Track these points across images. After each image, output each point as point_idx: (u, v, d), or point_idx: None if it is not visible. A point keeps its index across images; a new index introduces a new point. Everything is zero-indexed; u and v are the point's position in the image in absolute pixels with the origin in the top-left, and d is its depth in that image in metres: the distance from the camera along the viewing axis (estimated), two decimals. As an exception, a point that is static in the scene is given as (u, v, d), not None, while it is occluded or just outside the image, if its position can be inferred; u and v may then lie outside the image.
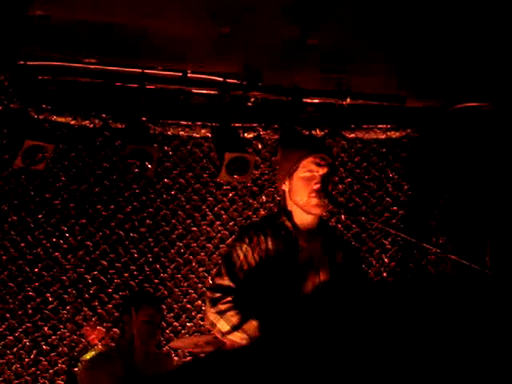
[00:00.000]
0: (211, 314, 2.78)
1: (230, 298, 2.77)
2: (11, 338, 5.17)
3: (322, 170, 2.94)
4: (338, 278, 2.92)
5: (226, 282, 2.82)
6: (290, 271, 2.85)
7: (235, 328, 2.72)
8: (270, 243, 2.89)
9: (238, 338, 2.72)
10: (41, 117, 5.10)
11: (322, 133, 5.51)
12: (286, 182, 3.02)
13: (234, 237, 4.42)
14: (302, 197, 2.95)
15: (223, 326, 2.75)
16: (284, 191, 3.04)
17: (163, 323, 5.22)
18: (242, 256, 2.87)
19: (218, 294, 2.80)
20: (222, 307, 2.76)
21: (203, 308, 5.28)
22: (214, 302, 2.79)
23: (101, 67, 4.93)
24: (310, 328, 2.65)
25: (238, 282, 2.82)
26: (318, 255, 2.94)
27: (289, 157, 3.02)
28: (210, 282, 5.26)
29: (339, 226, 5.54)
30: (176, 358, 5.29)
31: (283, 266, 2.85)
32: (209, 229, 5.54)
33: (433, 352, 2.40)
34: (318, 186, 2.91)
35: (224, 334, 2.75)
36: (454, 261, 2.64)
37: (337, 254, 3.00)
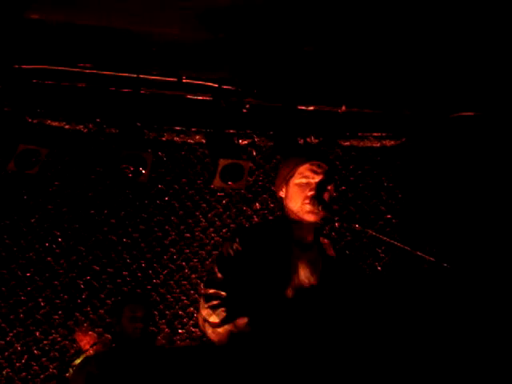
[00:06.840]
0: (204, 310, 2.78)
1: (223, 294, 2.77)
2: (2, 342, 5.16)
3: (318, 178, 2.92)
4: (329, 285, 2.90)
5: (219, 278, 2.82)
6: (281, 276, 2.83)
7: (225, 322, 2.72)
8: (261, 246, 2.88)
9: (227, 331, 2.71)
10: (35, 121, 5.10)
11: (317, 140, 5.50)
12: (283, 189, 3.01)
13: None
14: (296, 203, 2.93)
15: (214, 319, 2.75)
16: (281, 198, 3.04)
17: (154, 329, 5.20)
18: (233, 254, 2.87)
19: (211, 290, 2.80)
20: (215, 302, 2.76)
21: (195, 315, 5.27)
22: (208, 298, 2.79)
23: (96, 72, 4.92)
24: (296, 334, 2.65)
25: (231, 279, 2.81)
26: (311, 263, 2.92)
27: (286, 163, 3.02)
28: (202, 286, 5.25)
29: (333, 234, 5.52)
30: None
31: (274, 271, 2.83)
32: (202, 235, 5.53)
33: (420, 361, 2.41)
34: (312, 192, 2.89)
35: (214, 326, 2.75)
36: (447, 269, 2.63)
37: (331, 263, 2.98)
